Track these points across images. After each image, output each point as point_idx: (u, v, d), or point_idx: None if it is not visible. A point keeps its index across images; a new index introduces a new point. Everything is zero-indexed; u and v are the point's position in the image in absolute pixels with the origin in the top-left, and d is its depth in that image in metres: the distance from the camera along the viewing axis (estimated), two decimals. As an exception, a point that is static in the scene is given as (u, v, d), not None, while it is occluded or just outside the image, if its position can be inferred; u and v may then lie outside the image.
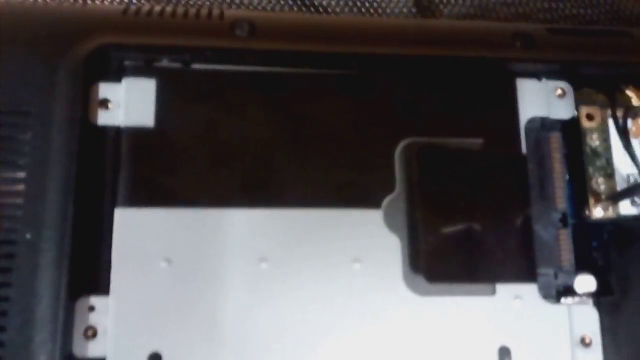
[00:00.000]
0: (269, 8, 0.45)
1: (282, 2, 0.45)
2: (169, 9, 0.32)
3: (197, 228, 0.28)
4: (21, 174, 0.27)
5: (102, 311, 0.27)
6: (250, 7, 0.46)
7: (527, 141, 0.31)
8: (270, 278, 0.28)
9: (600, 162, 0.33)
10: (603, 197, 0.32)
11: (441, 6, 0.45)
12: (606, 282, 0.31)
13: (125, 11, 0.31)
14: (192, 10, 0.32)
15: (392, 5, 0.44)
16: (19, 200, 0.27)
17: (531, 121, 0.32)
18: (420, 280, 0.29)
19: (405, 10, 0.44)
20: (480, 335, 0.29)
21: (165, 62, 0.30)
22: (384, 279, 0.29)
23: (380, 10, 0.44)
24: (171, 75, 0.29)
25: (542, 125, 0.32)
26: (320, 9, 0.44)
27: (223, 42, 0.30)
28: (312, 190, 0.29)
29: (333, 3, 0.44)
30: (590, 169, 0.32)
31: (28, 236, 0.26)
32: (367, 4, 0.44)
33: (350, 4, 0.44)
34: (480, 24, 0.37)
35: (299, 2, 0.44)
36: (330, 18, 0.37)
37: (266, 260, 0.28)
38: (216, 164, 0.29)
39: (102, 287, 0.27)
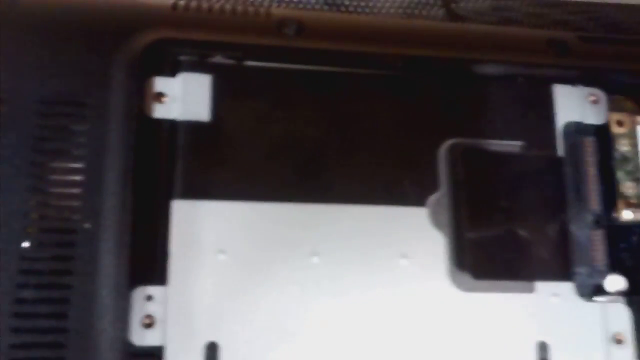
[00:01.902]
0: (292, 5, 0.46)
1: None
2: (216, 5, 0.33)
3: (251, 221, 0.28)
4: (79, 165, 0.28)
5: (160, 300, 0.27)
6: (274, 4, 0.46)
7: (564, 145, 0.33)
8: (321, 271, 0.29)
9: (629, 167, 0.34)
10: (632, 200, 0.33)
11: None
12: (636, 282, 0.32)
13: (174, 6, 0.32)
14: (239, 8, 0.33)
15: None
16: (78, 191, 0.27)
17: (567, 125, 0.33)
18: (465, 276, 0.30)
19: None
20: (520, 331, 0.30)
21: (218, 58, 0.30)
22: (429, 275, 0.29)
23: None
24: (226, 72, 0.30)
25: (577, 130, 0.33)
26: (342, 8, 0.45)
27: (273, 40, 0.31)
28: (361, 187, 0.30)
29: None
30: (620, 173, 0.34)
31: (87, 225, 0.27)
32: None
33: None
34: (514, 30, 0.38)
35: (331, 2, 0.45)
36: (377, 19, 0.38)
37: (317, 254, 0.29)
38: (269, 159, 0.29)
39: (159, 277, 0.27)
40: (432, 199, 0.30)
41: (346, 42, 0.32)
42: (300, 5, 0.44)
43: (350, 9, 0.45)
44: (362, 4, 0.44)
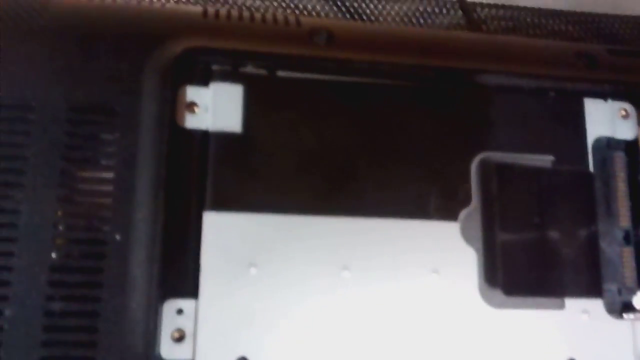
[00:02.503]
0: (314, 13, 0.46)
1: (327, 8, 0.45)
2: (246, 13, 0.32)
3: (282, 234, 0.28)
4: (109, 174, 0.27)
5: (191, 314, 0.27)
6: (297, 10, 0.46)
7: (594, 160, 0.32)
8: (352, 286, 0.28)
9: (656, 182, 0.34)
10: (661, 216, 0.33)
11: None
12: (665, 299, 0.32)
13: (205, 14, 0.31)
14: (269, 16, 0.33)
15: None
16: (108, 201, 0.27)
17: (598, 140, 0.33)
18: (495, 293, 0.29)
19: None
20: (550, 348, 0.30)
21: (250, 68, 0.30)
22: (460, 290, 0.29)
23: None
24: (258, 82, 0.29)
25: (608, 145, 0.33)
26: (364, 17, 0.45)
27: (305, 50, 0.31)
28: (392, 201, 0.29)
29: (377, 11, 0.45)
30: (648, 189, 0.33)
31: (117, 237, 0.26)
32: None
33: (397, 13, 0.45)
34: (542, 42, 0.37)
35: (343, 8, 0.44)
36: (407, 30, 0.37)
37: (348, 268, 0.28)
38: (300, 171, 0.29)
39: (190, 290, 0.27)
40: (464, 213, 0.30)
41: (377, 52, 0.32)
42: (320, 14, 0.44)
43: (371, 16, 0.44)
44: (376, 11, 0.44)
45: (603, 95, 0.33)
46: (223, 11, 0.32)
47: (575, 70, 0.34)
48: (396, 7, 0.45)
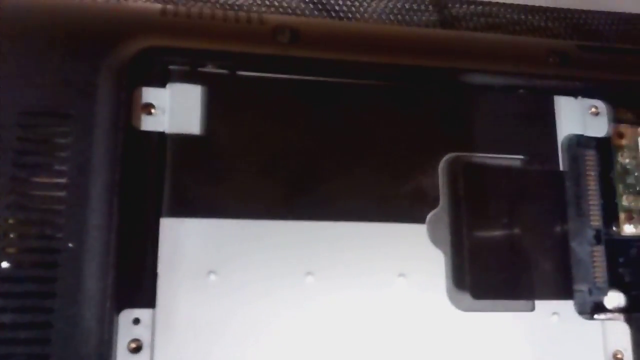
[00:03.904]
0: (289, 11, 0.45)
1: (294, 4, 0.44)
2: (206, 11, 0.31)
3: (243, 240, 0.27)
4: (62, 180, 0.26)
5: (147, 324, 0.26)
6: (272, 9, 0.45)
7: (564, 158, 0.32)
8: (316, 292, 0.27)
9: (630, 180, 0.33)
10: (634, 214, 0.33)
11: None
12: (636, 298, 0.32)
13: (163, 12, 0.30)
14: (231, 14, 0.32)
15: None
16: (61, 207, 0.26)
17: (568, 138, 0.32)
18: (464, 296, 0.29)
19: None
20: (520, 351, 0.29)
21: (209, 68, 0.29)
22: (427, 294, 0.29)
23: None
24: (218, 82, 0.28)
25: (578, 143, 0.32)
26: (333, 13, 0.44)
27: (267, 49, 0.30)
28: (357, 203, 0.29)
29: (346, 8, 0.44)
30: (621, 186, 0.33)
31: (71, 245, 0.26)
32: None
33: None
34: (513, 39, 0.37)
35: (319, 6, 0.44)
36: (375, 26, 0.37)
37: (312, 273, 0.28)
38: (262, 174, 0.28)
39: (146, 299, 0.26)
40: (431, 215, 0.29)
41: (343, 50, 0.31)
42: (289, 10, 0.43)
43: (340, 14, 0.44)
44: (353, 9, 0.43)
45: (574, 93, 0.33)
46: (182, 9, 0.31)
47: (546, 67, 0.33)
48: (365, 4, 0.44)
